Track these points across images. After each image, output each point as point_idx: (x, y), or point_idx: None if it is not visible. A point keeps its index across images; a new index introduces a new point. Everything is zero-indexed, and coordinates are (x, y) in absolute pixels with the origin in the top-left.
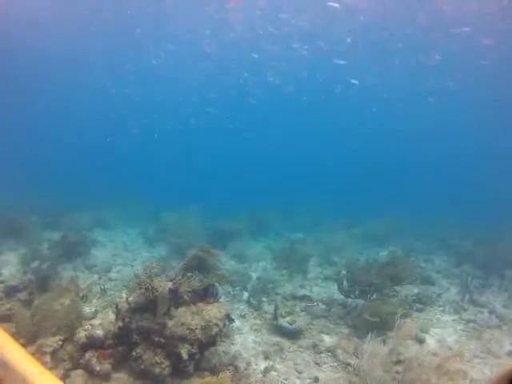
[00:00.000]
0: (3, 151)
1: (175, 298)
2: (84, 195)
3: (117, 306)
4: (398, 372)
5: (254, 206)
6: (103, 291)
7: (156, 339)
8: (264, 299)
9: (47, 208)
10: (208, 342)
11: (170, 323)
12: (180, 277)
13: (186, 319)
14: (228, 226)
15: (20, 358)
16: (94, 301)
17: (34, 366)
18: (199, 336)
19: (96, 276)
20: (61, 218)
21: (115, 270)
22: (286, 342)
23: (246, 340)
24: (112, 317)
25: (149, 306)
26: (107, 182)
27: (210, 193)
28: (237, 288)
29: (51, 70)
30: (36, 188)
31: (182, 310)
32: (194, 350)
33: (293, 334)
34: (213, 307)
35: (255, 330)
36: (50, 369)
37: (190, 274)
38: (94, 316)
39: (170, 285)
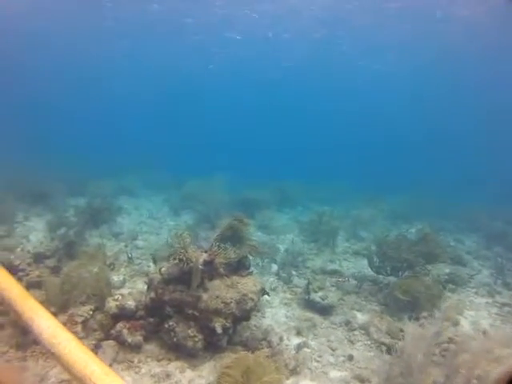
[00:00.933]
0: (30, 121)
1: (209, 270)
2: (108, 163)
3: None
4: (442, 355)
5: (278, 177)
6: (130, 259)
7: (190, 312)
8: (293, 272)
9: (72, 175)
10: (242, 316)
11: (205, 296)
12: (216, 247)
13: (221, 292)
14: (253, 196)
15: (82, 355)
16: (122, 269)
17: (98, 364)
18: (234, 310)
19: (122, 244)
20: (86, 185)
21: (141, 238)
22: (317, 318)
23: (277, 314)
24: (140, 286)
25: (183, 277)
26: (131, 149)
27: (234, 162)
28: (266, 260)
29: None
30: (61, 155)
31: (217, 282)
32: (228, 325)
33: (325, 310)
34: (247, 280)
35: (286, 304)
36: (82, 339)
37: (223, 244)
38: (122, 285)
39: (204, 256)
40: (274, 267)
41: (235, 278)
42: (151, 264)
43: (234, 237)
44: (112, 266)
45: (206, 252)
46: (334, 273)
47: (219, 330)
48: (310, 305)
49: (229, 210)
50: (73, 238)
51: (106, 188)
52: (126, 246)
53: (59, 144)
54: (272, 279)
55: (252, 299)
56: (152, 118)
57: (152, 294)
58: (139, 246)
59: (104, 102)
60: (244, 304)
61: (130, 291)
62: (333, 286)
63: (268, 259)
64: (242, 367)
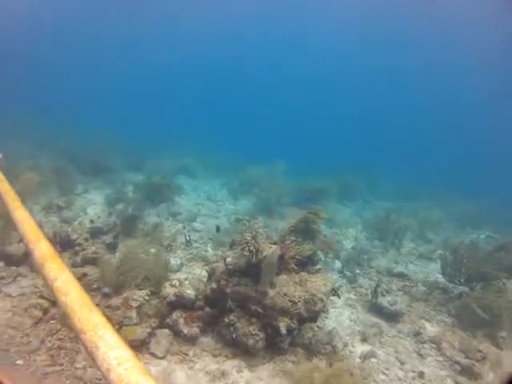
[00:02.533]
0: (93, 95)
1: (279, 264)
2: (169, 141)
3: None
4: None
5: (338, 166)
6: (188, 242)
7: (253, 308)
8: (357, 271)
9: (133, 151)
10: (309, 317)
11: (271, 292)
12: (289, 241)
13: (289, 289)
14: (314, 185)
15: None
16: (179, 252)
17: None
18: (301, 310)
19: (180, 225)
20: (146, 161)
21: (199, 221)
22: (384, 325)
23: (341, 316)
24: (198, 271)
25: (249, 269)
26: (192, 130)
27: (294, 149)
28: (329, 255)
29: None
30: (123, 132)
31: (284, 278)
32: (293, 325)
33: (392, 316)
34: (317, 278)
35: (350, 305)
36: (135, 325)
37: (294, 237)
38: (179, 269)
39: (275, 248)
40: (337, 264)
41: (304, 275)
42: (209, 249)
43: (306, 230)
44: (169, 248)
45: (274, 244)
46: (400, 276)
47: (283, 331)
48: (375, 309)
49: (290, 199)
50: (130, 215)
51: (165, 166)
52: (183, 228)
53: (122, 118)
54: (335, 277)
55: (321, 300)
56: (215, 101)
57: (213, 285)
58: (197, 228)
59: (168, 82)
60: (312, 304)
61: (188, 277)
62: (399, 290)
63: (332, 254)
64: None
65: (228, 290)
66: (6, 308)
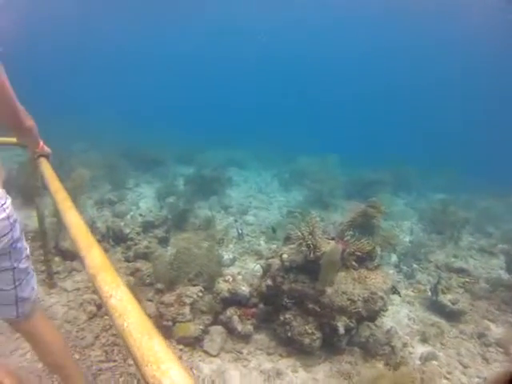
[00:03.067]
0: (144, 91)
1: None
2: (218, 134)
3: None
4: None
5: (392, 156)
6: (240, 236)
7: (310, 306)
8: (415, 266)
9: (183, 145)
10: (368, 316)
11: (329, 290)
12: (349, 237)
13: (347, 287)
14: (367, 176)
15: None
16: (231, 246)
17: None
18: (360, 309)
19: (232, 218)
20: (195, 155)
21: (251, 213)
22: (444, 324)
23: (399, 314)
24: (251, 266)
25: (306, 266)
26: (241, 122)
27: (347, 139)
28: (386, 250)
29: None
30: (172, 126)
31: (342, 274)
32: (351, 325)
33: (453, 315)
34: (376, 275)
35: (408, 302)
36: (189, 321)
37: (352, 232)
38: (231, 263)
39: (334, 245)
40: (394, 258)
41: (363, 272)
42: (262, 242)
43: (365, 224)
44: (221, 242)
45: (332, 239)
46: (460, 271)
47: (342, 331)
48: (434, 307)
49: (343, 191)
50: (182, 208)
51: (215, 158)
52: (235, 221)
53: (172, 113)
54: (391, 271)
55: (382, 298)
56: (265, 93)
57: (269, 282)
58: (249, 221)
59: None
60: (372, 303)
61: (241, 271)
62: (460, 286)
63: (389, 249)
64: None
65: (285, 287)
66: (63, 302)
